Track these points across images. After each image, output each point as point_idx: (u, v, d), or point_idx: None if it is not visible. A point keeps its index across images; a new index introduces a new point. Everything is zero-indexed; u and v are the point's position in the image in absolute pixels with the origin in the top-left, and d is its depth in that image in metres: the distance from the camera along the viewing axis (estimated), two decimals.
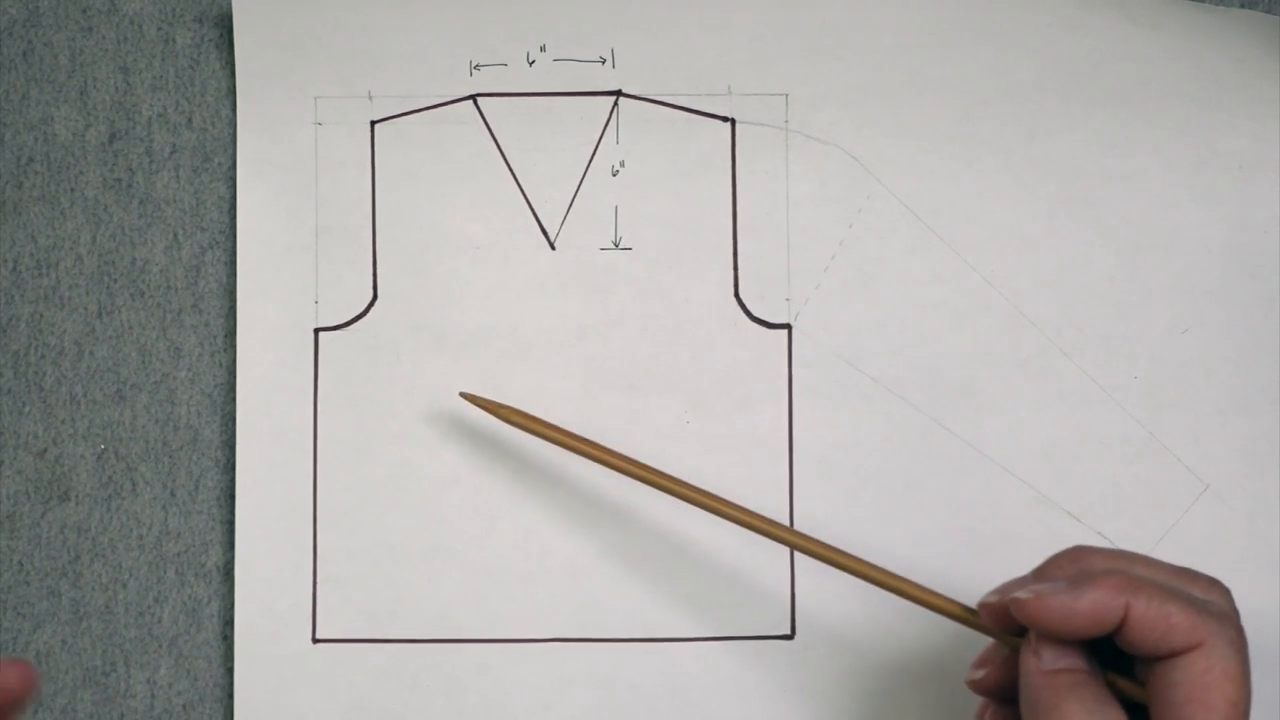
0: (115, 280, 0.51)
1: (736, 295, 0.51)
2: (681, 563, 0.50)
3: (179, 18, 0.52)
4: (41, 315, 0.51)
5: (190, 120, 0.52)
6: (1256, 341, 0.51)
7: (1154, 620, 0.38)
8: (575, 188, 0.51)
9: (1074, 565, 0.40)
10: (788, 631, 0.50)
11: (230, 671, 0.50)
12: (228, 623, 0.50)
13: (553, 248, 0.51)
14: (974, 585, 0.50)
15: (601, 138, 0.51)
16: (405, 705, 0.50)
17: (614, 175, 0.51)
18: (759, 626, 0.50)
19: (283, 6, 0.51)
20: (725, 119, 0.51)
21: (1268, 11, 0.52)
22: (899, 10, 0.51)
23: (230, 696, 0.50)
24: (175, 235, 0.51)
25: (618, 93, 0.51)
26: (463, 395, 0.49)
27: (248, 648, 0.50)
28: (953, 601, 0.43)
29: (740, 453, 0.50)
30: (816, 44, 0.51)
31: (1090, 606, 0.38)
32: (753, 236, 0.51)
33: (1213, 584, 0.40)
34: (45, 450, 0.51)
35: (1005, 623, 0.41)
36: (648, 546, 0.50)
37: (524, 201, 0.51)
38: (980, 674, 0.42)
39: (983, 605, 0.42)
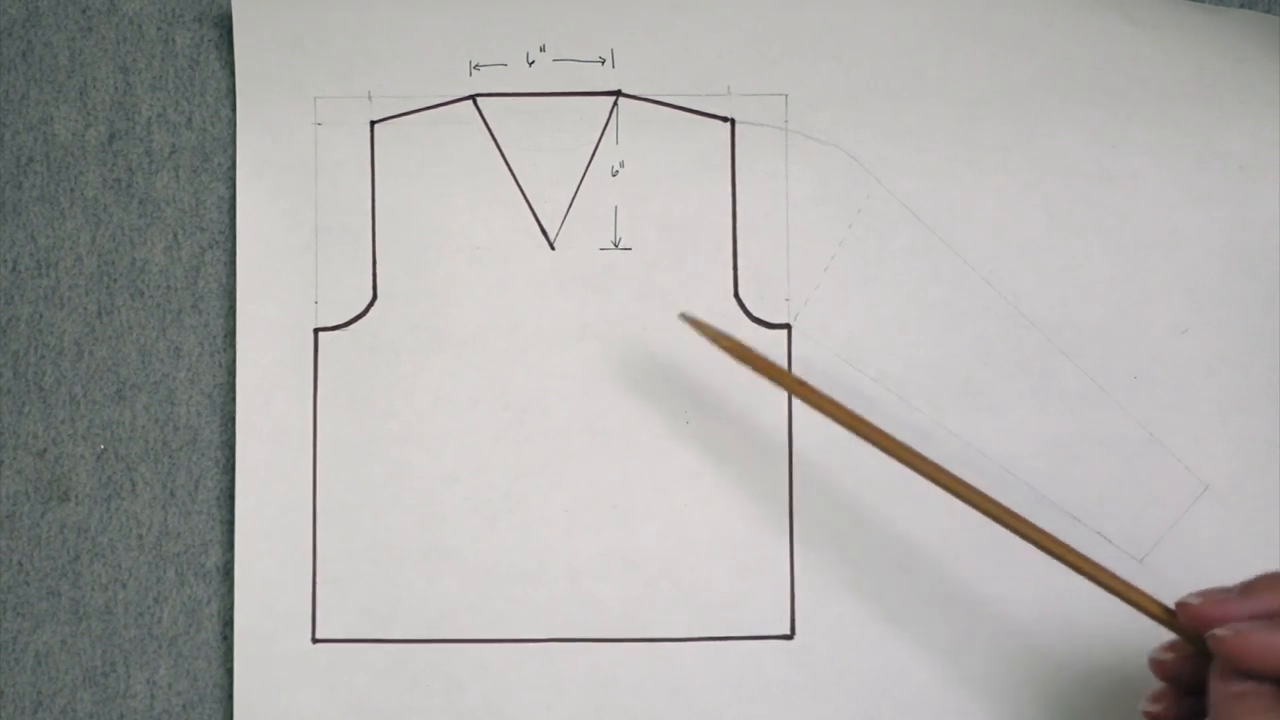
0: (115, 280, 0.51)
1: (736, 295, 0.51)
2: (681, 563, 0.50)
3: (179, 18, 0.52)
4: (41, 315, 0.51)
5: (190, 120, 0.52)
6: (1256, 341, 0.51)
7: None
8: (575, 188, 0.51)
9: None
10: (788, 631, 0.50)
11: (230, 671, 0.50)
12: (227, 623, 0.50)
13: (553, 248, 0.51)
14: (973, 586, 0.50)
15: (601, 138, 0.51)
16: (405, 705, 0.50)
17: (614, 175, 0.51)
18: (759, 626, 0.50)
19: (282, 7, 0.51)
20: (725, 119, 0.51)
21: (1267, 11, 0.52)
22: (899, 10, 0.51)
23: (230, 696, 0.50)
24: (175, 235, 0.51)
25: (617, 93, 0.51)
26: (682, 316, 0.47)
27: (247, 648, 0.50)
28: (1154, 600, 0.42)
29: (740, 453, 0.50)
30: (816, 44, 0.51)
31: None
32: (753, 236, 0.51)
33: None
34: (45, 450, 0.51)
35: (1201, 625, 0.41)
36: (648, 546, 0.50)
37: (524, 201, 0.51)
38: (1167, 657, 0.42)
39: (1181, 606, 0.41)
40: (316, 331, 0.51)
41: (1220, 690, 0.39)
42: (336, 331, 0.51)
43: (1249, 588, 0.40)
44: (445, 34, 0.51)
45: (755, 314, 0.51)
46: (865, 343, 0.51)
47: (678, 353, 0.51)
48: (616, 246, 0.51)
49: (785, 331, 0.51)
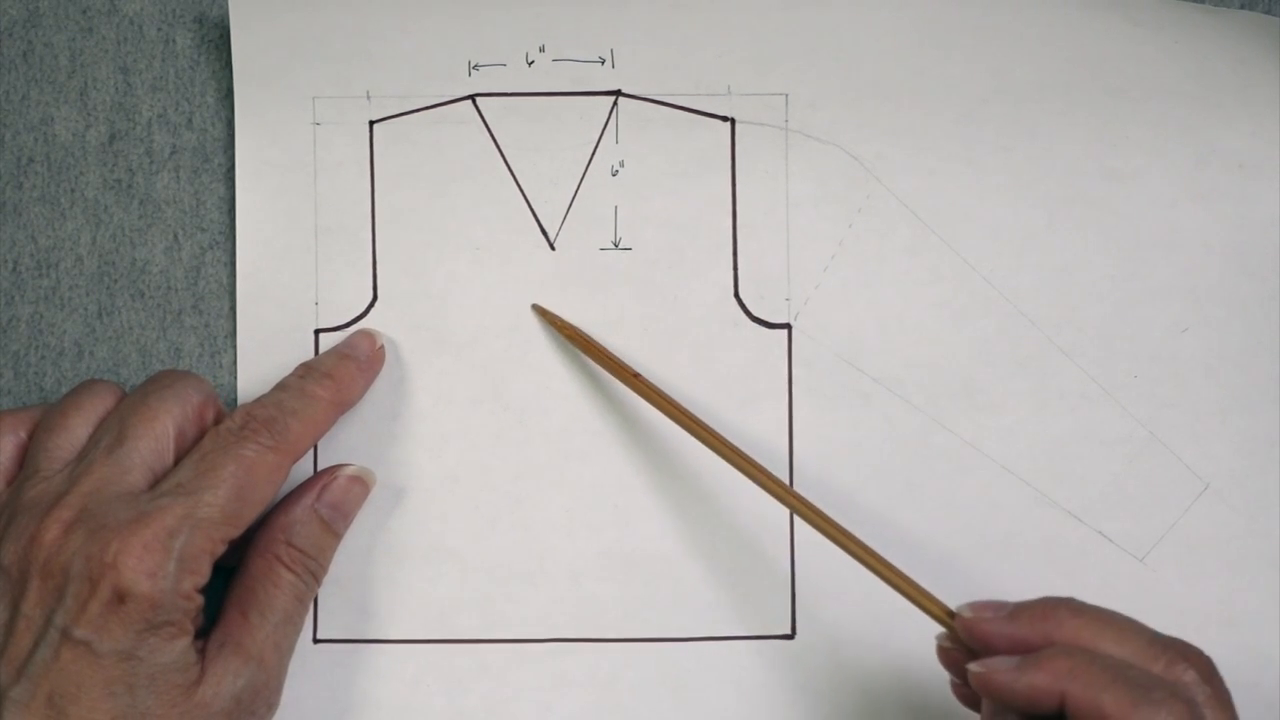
0: (115, 281, 0.51)
1: (736, 295, 0.51)
2: (681, 563, 0.50)
3: (179, 18, 0.52)
4: (41, 315, 0.51)
5: (190, 121, 0.52)
6: (1256, 341, 0.51)
7: (1087, 709, 0.38)
8: (575, 188, 0.51)
9: (1042, 624, 0.40)
10: (788, 631, 0.50)
11: None
12: None
13: (553, 248, 0.51)
14: (973, 585, 0.50)
15: (601, 138, 0.51)
16: (405, 705, 0.50)
17: (614, 175, 0.51)
18: (759, 626, 0.50)
19: (280, 7, 0.51)
20: (725, 119, 0.51)
21: (1267, 12, 0.52)
22: (899, 10, 0.51)
23: None
24: (175, 235, 0.52)
25: (617, 93, 0.51)
26: (534, 308, 0.50)
27: None
28: (939, 604, 0.43)
29: None
30: (816, 44, 0.51)
31: (1026, 691, 0.39)
32: (753, 236, 0.51)
33: (1182, 658, 0.39)
34: None
35: (968, 639, 0.42)
36: (648, 546, 0.50)
37: (524, 201, 0.51)
38: (949, 645, 0.43)
39: (956, 616, 0.42)
40: (317, 332, 0.51)
41: (985, 710, 0.42)
42: (337, 332, 0.51)
43: (1016, 613, 0.41)
44: (444, 34, 0.51)
45: (755, 314, 0.51)
46: (865, 343, 0.51)
47: (678, 353, 0.50)
48: (616, 246, 0.51)
49: (785, 331, 0.51)
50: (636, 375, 0.49)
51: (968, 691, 0.42)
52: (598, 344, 0.50)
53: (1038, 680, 0.39)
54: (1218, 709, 0.39)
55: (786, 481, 0.50)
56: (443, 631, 0.50)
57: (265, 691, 0.45)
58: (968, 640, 0.41)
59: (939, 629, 0.50)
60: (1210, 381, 0.51)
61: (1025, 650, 0.40)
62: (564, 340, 0.50)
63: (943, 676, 0.50)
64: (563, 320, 0.50)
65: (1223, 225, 0.51)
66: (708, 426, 0.47)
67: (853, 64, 0.51)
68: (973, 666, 0.40)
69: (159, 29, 0.52)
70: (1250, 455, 0.50)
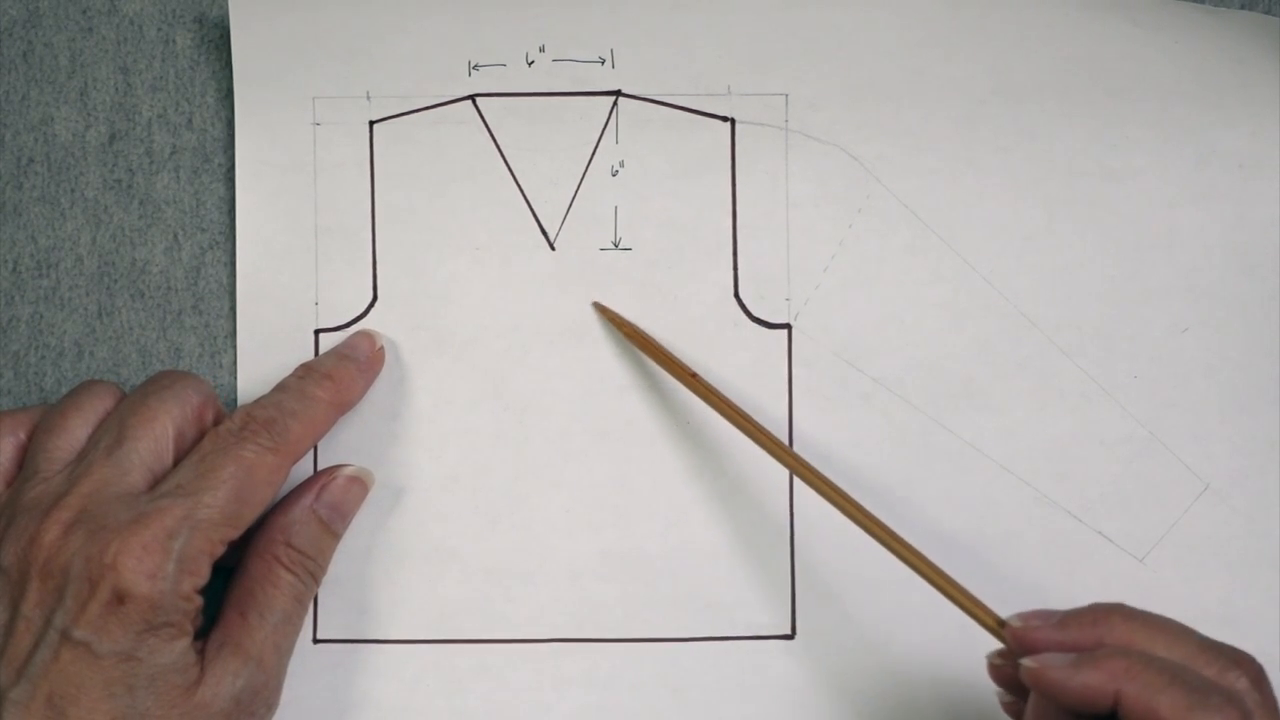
0: (115, 281, 0.51)
1: (736, 295, 0.51)
2: (681, 563, 0.50)
3: (179, 19, 0.52)
4: (41, 316, 0.51)
5: (190, 121, 0.52)
6: (1256, 341, 0.51)
7: (1142, 710, 0.38)
8: (575, 188, 0.51)
9: (1092, 629, 0.40)
10: (788, 631, 0.50)
11: None
12: None
13: (552, 248, 0.51)
14: (973, 586, 0.50)
15: (601, 138, 0.51)
16: (405, 705, 0.50)
17: (614, 175, 0.51)
18: (759, 626, 0.50)
19: (280, 7, 0.51)
20: (725, 119, 0.51)
21: (1267, 12, 0.52)
22: (899, 10, 0.51)
23: None
24: (175, 236, 0.52)
25: (617, 93, 0.51)
26: (595, 305, 0.50)
27: None
28: (990, 613, 0.43)
29: (740, 453, 0.50)
30: (816, 44, 0.51)
31: (1080, 689, 0.39)
32: (753, 236, 0.51)
33: (1234, 663, 0.39)
34: None
35: (1017, 647, 0.41)
36: (648, 546, 0.50)
37: (523, 201, 0.51)
38: (1000, 662, 0.43)
39: (1008, 626, 0.42)
40: (317, 333, 0.51)
41: (1032, 708, 0.41)
42: (336, 333, 0.51)
43: (1066, 621, 0.41)
44: (444, 34, 0.51)
45: (755, 314, 0.51)
46: (865, 343, 0.51)
47: (678, 352, 0.50)
48: (616, 246, 0.51)
49: (785, 331, 0.51)
50: (695, 375, 0.49)
51: (1019, 707, 0.42)
52: (656, 343, 0.50)
53: (1092, 679, 0.38)
54: (1267, 717, 0.39)
55: (789, 483, 0.50)
56: (443, 631, 0.50)
57: (265, 692, 0.45)
58: (1017, 650, 0.41)
59: (939, 631, 0.50)
60: (1210, 381, 0.51)
61: None
62: (568, 340, 0.50)
63: (940, 676, 0.50)
64: (622, 318, 0.50)
65: (1223, 225, 0.51)
66: (766, 430, 0.47)
67: (853, 64, 0.51)
68: (1026, 662, 0.40)
69: (159, 29, 0.52)
70: (1250, 455, 0.50)
